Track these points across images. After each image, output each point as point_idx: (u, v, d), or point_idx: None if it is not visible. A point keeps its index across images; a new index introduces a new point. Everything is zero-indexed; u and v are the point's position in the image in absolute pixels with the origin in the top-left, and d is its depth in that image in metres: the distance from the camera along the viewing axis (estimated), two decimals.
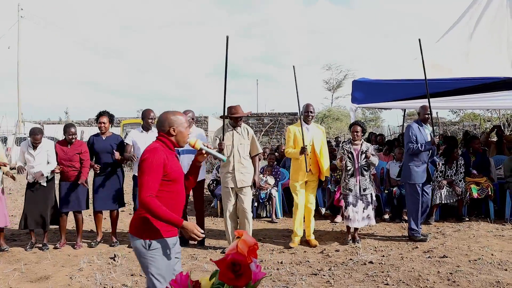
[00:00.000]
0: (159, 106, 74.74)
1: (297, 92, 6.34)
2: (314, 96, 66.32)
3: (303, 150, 6.16)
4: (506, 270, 5.17)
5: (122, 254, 6.03)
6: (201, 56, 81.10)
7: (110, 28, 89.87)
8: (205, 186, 7.28)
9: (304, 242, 6.58)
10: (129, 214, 8.50)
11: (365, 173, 6.55)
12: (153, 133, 6.61)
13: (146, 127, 6.58)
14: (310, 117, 6.49)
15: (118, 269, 5.50)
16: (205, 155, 3.32)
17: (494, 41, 8.38)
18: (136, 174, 6.47)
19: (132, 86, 78.49)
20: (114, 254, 5.96)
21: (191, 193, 6.63)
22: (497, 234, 6.87)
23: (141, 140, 6.49)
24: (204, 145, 3.30)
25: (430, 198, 6.85)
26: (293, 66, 6.38)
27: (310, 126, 6.50)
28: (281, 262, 5.69)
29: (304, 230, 6.62)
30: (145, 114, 6.57)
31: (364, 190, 6.52)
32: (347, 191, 6.53)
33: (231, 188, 6.11)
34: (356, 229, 6.63)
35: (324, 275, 5.15)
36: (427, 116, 6.71)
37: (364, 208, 6.51)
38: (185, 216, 6.63)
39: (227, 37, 5.39)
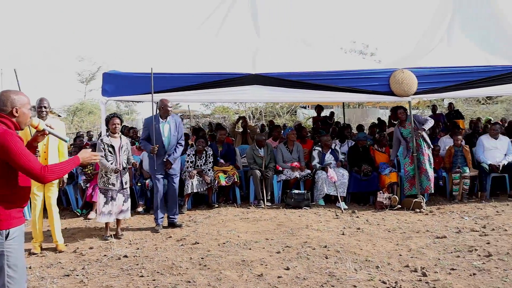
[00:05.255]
0: None
1: None
2: (67, 88, 61.87)
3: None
4: (250, 249, 5.65)
5: None
6: None
7: None
8: None
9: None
10: None
11: (125, 166, 6.50)
12: None
13: None
14: (44, 112, 5.91)
15: None
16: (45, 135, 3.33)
17: (238, 40, 9.06)
18: None
19: None
20: None
21: None
22: (243, 217, 7.47)
23: None
24: (47, 126, 3.32)
25: (175, 187, 7.01)
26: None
27: (47, 121, 5.66)
28: (30, 267, 5.17)
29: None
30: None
31: (125, 183, 6.48)
32: (109, 186, 6.31)
33: None
34: (118, 223, 6.51)
35: (77, 275, 4.88)
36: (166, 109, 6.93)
37: (124, 201, 6.46)
38: None
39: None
